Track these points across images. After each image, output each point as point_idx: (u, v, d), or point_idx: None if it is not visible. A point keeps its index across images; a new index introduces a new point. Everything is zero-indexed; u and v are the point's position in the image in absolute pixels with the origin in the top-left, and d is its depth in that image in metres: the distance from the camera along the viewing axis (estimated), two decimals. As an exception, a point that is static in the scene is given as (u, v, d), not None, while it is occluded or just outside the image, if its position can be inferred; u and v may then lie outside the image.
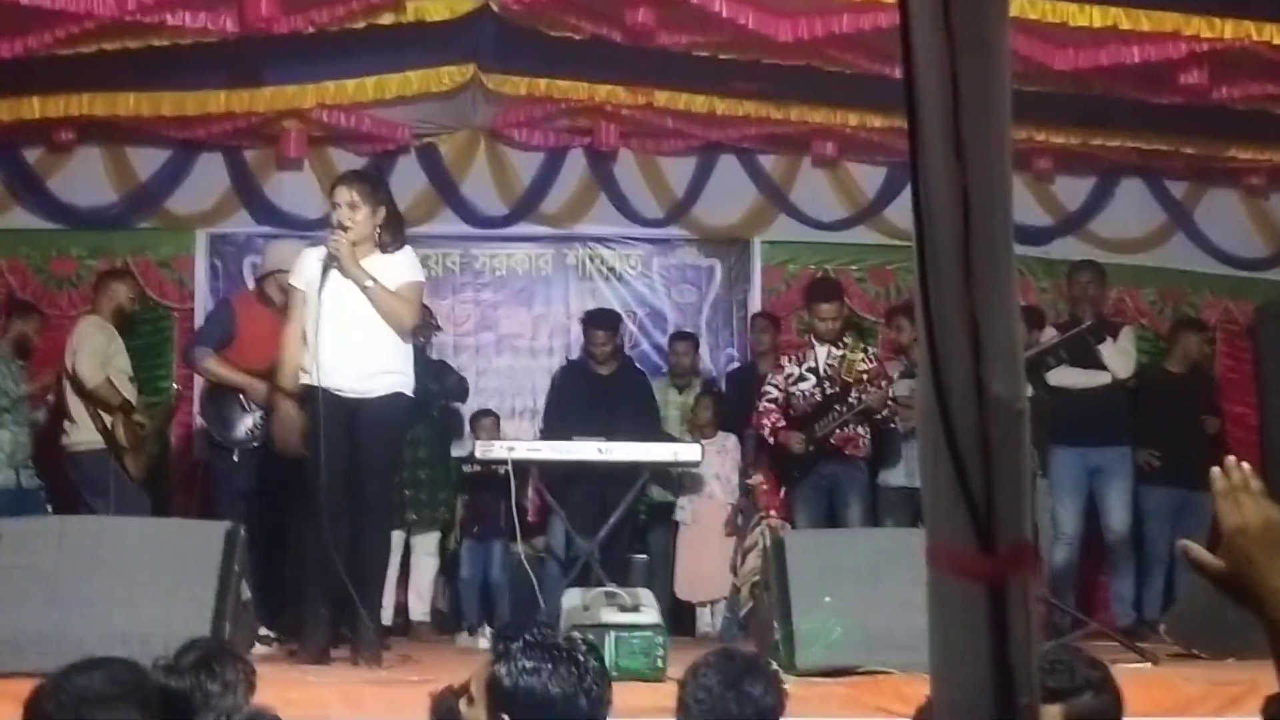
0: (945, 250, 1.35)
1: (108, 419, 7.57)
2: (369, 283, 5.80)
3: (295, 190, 9.30)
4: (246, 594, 5.33)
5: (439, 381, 8.33)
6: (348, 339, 5.81)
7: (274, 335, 7.01)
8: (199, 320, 8.62)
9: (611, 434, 7.61)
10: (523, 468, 7.54)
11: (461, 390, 8.54)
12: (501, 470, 7.65)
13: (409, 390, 5.98)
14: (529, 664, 2.60)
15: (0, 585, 5.20)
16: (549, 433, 8.33)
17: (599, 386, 8.36)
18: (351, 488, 5.81)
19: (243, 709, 2.62)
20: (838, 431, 7.70)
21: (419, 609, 8.36)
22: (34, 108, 8.07)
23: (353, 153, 9.31)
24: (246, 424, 6.90)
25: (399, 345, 5.94)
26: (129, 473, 7.53)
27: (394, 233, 6.00)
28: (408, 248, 6.07)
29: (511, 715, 2.58)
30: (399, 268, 5.94)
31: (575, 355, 8.91)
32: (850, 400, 7.66)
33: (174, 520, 6.72)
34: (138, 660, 2.92)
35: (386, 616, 8.18)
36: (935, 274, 1.34)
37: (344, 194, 5.90)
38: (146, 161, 9.21)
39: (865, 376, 7.67)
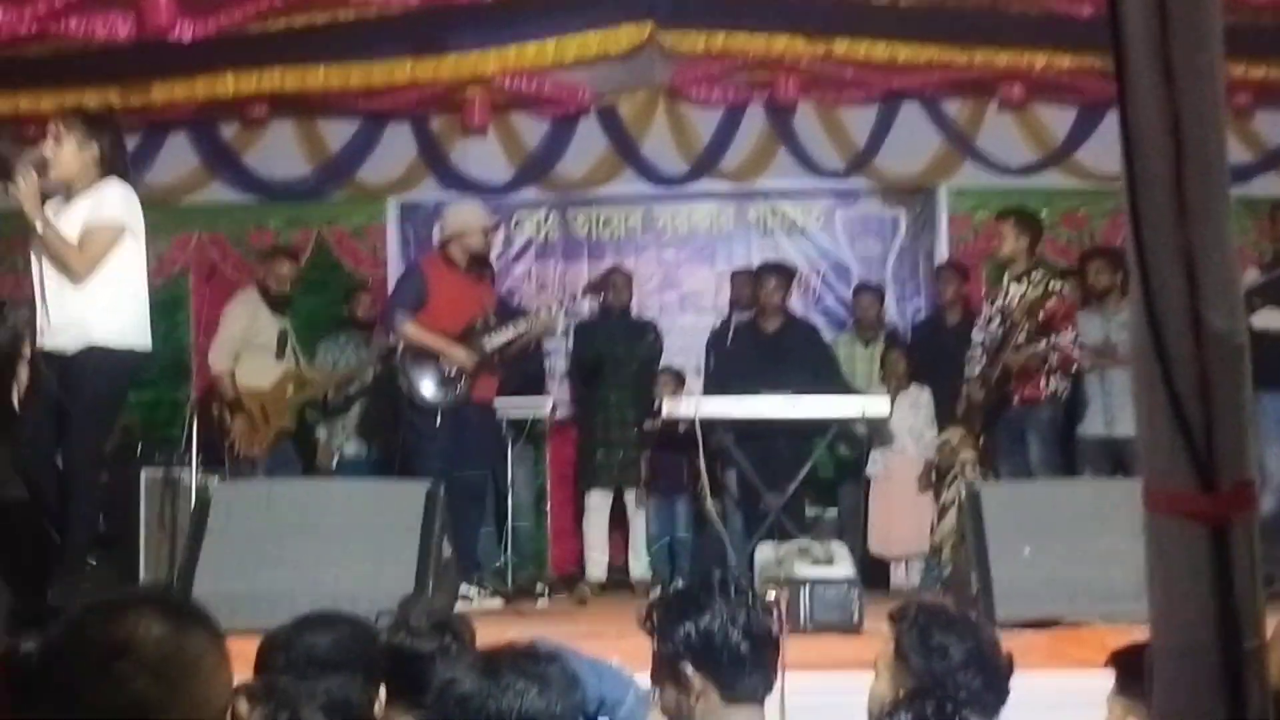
0: (1157, 182, 1.30)
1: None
2: (40, 225, 5.32)
3: (480, 156, 9.46)
4: (448, 552, 5.45)
5: (628, 345, 8.45)
6: (45, 286, 5.45)
7: (463, 297, 7.18)
8: (391, 287, 8.80)
9: (783, 390, 7.54)
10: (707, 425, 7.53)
11: (653, 354, 8.60)
12: (682, 428, 7.68)
13: (114, 341, 5.41)
14: (673, 617, 2.73)
15: (213, 548, 5.42)
16: (714, 389, 8.26)
17: (766, 343, 8.30)
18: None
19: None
20: (1013, 374, 7.30)
21: (638, 566, 8.54)
22: (228, 84, 8.31)
23: (535, 117, 9.43)
24: (446, 385, 7.03)
25: (95, 291, 5.39)
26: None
27: (103, 172, 5.46)
28: (112, 185, 5.46)
29: (689, 664, 2.67)
30: (89, 207, 5.42)
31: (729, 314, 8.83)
32: (1013, 340, 7.23)
33: (376, 481, 6.90)
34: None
35: (601, 572, 8.39)
36: (1147, 207, 1.30)
37: (53, 126, 5.51)
38: (337, 133, 9.45)
39: (1040, 315, 7.14)
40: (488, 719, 2.29)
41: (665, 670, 2.76)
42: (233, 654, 2.06)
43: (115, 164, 5.53)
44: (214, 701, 1.74)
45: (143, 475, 7.96)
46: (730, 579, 2.79)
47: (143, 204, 9.28)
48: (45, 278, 5.41)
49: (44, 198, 5.43)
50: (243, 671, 2.88)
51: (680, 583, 2.91)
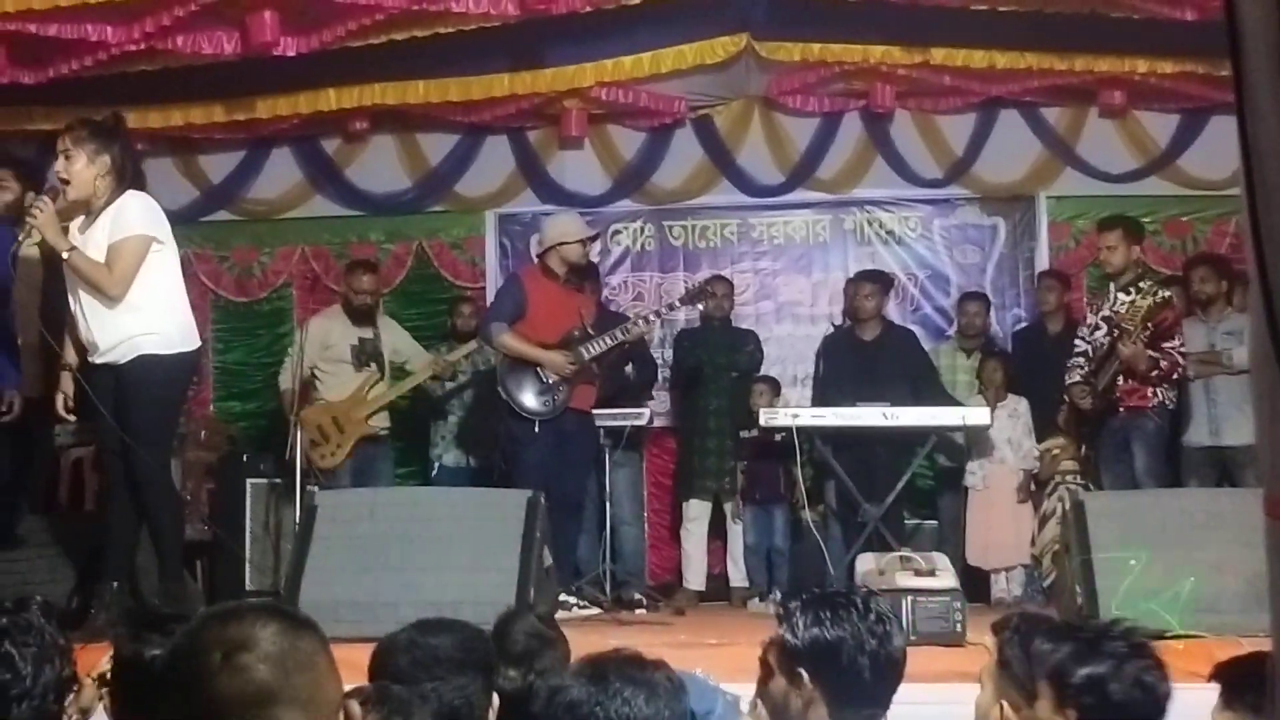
0: (1277, 191, 1.29)
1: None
2: (66, 252, 5.27)
3: (577, 168, 9.53)
4: (548, 560, 5.48)
5: (728, 355, 8.47)
6: (85, 306, 5.42)
7: (561, 308, 7.24)
8: (491, 299, 8.87)
9: (881, 399, 7.50)
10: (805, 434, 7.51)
11: (752, 364, 8.61)
12: (779, 437, 7.66)
13: (164, 349, 5.41)
14: (809, 618, 2.70)
15: (317, 555, 5.50)
16: (819, 403, 8.24)
17: (864, 351, 8.24)
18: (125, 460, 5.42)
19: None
20: (1119, 383, 7.15)
21: (737, 575, 8.55)
22: (330, 99, 8.46)
23: (631, 128, 9.47)
24: (545, 395, 7.08)
25: (136, 304, 5.37)
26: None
27: (117, 182, 5.39)
28: (130, 197, 5.39)
29: (806, 669, 2.66)
30: (110, 224, 5.35)
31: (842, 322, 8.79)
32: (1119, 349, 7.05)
33: (478, 490, 6.95)
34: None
35: (699, 582, 8.44)
36: (1268, 215, 1.29)
37: (61, 143, 5.40)
38: (436, 146, 9.57)
39: (1148, 325, 6.94)
40: (596, 726, 2.31)
41: (784, 661, 2.73)
42: (339, 661, 2.10)
43: (128, 172, 5.43)
44: (326, 701, 1.84)
45: (248, 485, 8.10)
46: (874, 603, 2.75)
47: (247, 218, 9.66)
48: (83, 299, 5.39)
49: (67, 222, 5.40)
50: (348, 678, 2.93)
51: (826, 586, 2.89)
